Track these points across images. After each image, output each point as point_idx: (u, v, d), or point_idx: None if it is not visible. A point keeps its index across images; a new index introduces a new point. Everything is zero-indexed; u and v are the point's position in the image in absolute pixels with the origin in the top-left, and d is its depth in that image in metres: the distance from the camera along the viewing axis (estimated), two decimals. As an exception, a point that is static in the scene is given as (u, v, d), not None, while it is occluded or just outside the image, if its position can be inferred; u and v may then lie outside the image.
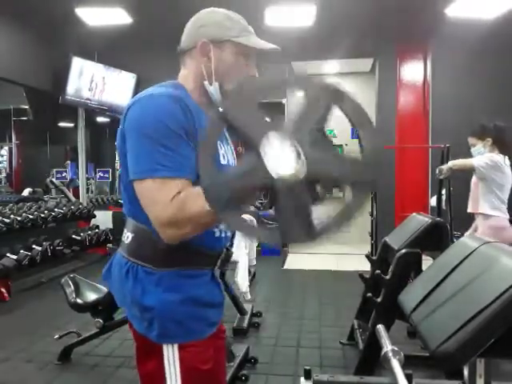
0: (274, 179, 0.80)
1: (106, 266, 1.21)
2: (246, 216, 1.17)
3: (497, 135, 3.13)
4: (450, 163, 3.39)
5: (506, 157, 3.12)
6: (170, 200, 0.96)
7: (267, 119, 0.86)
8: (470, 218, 3.36)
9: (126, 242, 1.13)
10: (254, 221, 1.18)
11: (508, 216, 3.16)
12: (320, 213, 0.86)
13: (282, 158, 0.80)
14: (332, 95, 0.86)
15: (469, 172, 3.24)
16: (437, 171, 3.40)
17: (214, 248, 1.15)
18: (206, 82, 1.13)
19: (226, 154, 1.15)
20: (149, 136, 0.99)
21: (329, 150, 0.90)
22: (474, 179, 3.28)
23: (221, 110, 0.86)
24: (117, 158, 14.32)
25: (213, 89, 1.13)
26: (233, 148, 1.24)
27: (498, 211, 3.12)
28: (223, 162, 1.12)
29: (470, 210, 3.33)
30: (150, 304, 1.05)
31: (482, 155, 3.15)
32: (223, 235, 1.16)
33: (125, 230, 1.15)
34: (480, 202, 3.18)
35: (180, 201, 0.96)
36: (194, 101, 1.10)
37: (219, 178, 0.85)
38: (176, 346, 1.06)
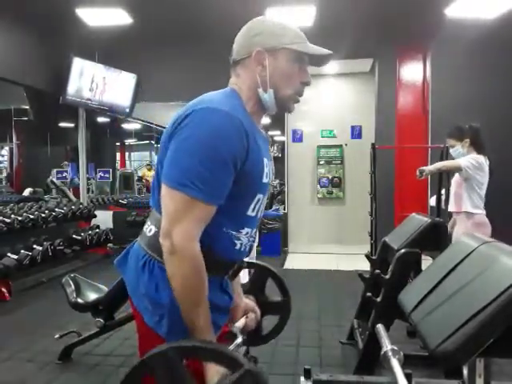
0: None
1: (122, 253, 1.22)
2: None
3: (473, 136, 3.32)
4: (439, 164, 3.52)
5: (486, 157, 3.31)
6: (186, 232, 0.99)
7: None
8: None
9: (148, 234, 1.13)
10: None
11: (485, 212, 3.35)
12: None
13: None
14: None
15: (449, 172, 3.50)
16: (417, 172, 3.45)
17: (232, 259, 1.17)
18: (260, 90, 1.13)
19: (269, 171, 1.16)
20: (197, 152, 1.00)
21: None
22: (456, 179, 3.40)
23: None
24: (117, 158, 14.34)
25: (267, 96, 1.14)
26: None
27: (479, 209, 3.31)
28: (265, 180, 1.13)
29: (452, 209, 3.45)
30: (162, 300, 1.07)
31: (466, 156, 3.32)
32: (243, 249, 1.17)
33: (148, 222, 1.16)
34: (463, 201, 3.31)
35: (193, 249, 1.01)
36: (248, 114, 1.11)
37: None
38: None
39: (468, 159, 3.27)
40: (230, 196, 1.06)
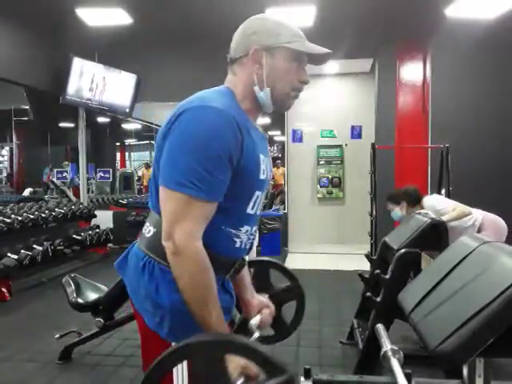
0: None
1: (121, 255, 1.21)
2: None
3: (409, 199, 3.46)
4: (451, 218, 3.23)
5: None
6: (187, 232, 0.99)
7: None
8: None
9: (147, 235, 1.13)
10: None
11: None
12: None
13: None
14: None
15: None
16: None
17: (232, 257, 1.16)
18: (256, 88, 1.13)
19: (266, 168, 1.15)
20: (192, 151, 1.00)
21: None
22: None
23: None
24: (117, 158, 14.34)
25: (263, 94, 1.13)
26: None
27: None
28: (262, 177, 1.13)
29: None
30: (163, 302, 1.06)
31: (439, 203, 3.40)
32: (243, 246, 1.17)
33: (147, 223, 1.16)
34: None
35: (196, 249, 1.01)
36: (243, 112, 1.11)
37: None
38: None
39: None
40: (228, 194, 1.06)
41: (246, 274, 1.33)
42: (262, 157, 1.12)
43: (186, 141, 1.01)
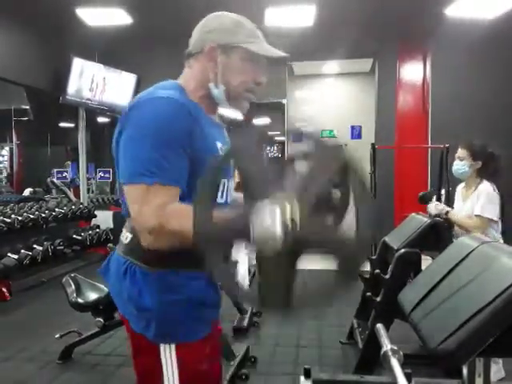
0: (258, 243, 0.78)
1: (104, 261, 1.22)
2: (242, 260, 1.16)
3: (489, 163, 2.81)
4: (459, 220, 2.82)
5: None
6: (155, 209, 0.97)
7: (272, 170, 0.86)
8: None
9: (125, 241, 1.13)
10: (245, 273, 1.13)
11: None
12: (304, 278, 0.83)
13: (274, 222, 0.78)
14: (344, 165, 0.86)
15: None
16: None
17: None
18: (211, 84, 1.13)
19: (226, 191, 1.14)
20: (145, 141, 0.99)
21: (327, 218, 0.89)
22: None
23: (231, 151, 0.87)
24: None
25: (217, 92, 1.13)
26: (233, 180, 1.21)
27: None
28: (220, 200, 1.11)
29: None
30: (147, 305, 1.06)
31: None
32: None
33: (124, 230, 1.16)
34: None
35: (165, 214, 0.97)
36: (193, 101, 1.10)
37: (211, 225, 0.84)
38: (173, 346, 1.07)
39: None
40: (193, 184, 1.02)
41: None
42: (219, 144, 1.12)
43: (137, 132, 1.02)
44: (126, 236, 1.14)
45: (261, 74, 1.16)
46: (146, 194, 0.98)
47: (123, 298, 1.10)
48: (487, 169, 2.80)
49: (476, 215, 2.68)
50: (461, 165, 2.84)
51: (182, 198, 1.02)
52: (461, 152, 2.86)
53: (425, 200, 3.08)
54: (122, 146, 1.04)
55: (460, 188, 2.98)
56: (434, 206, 2.86)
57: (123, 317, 1.15)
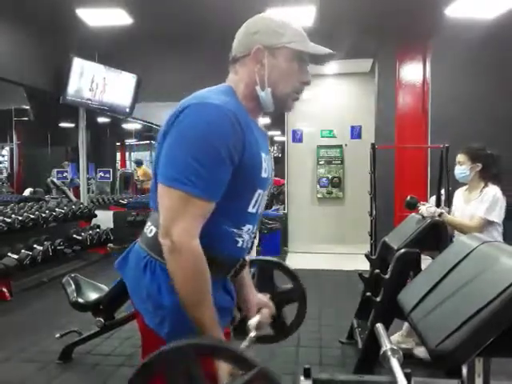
0: None
1: (121, 255, 1.21)
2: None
3: (489, 167, 2.85)
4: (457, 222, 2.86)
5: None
6: (183, 233, 0.99)
7: None
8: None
9: (149, 235, 1.12)
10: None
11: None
12: None
13: None
14: None
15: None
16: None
17: (234, 257, 1.16)
18: (257, 87, 1.12)
19: (268, 166, 1.15)
20: (191, 148, 1.00)
21: None
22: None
23: None
24: (117, 158, 14.33)
25: (264, 94, 1.12)
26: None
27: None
28: (264, 175, 1.12)
29: None
30: (165, 302, 1.06)
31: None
32: (245, 246, 1.16)
33: (148, 223, 1.15)
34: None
35: (194, 247, 1.00)
36: (244, 109, 1.10)
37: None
38: None
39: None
40: (229, 193, 1.05)
41: (246, 273, 1.32)
42: (263, 155, 1.12)
43: (184, 137, 1.01)
44: (150, 229, 1.13)
45: (307, 74, 1.16)
46: (181, 202, 0.99)
47: (141, 295, 1.10)
48: (488, 170, 2.84)
49: (479, 217, 2.71)
50: (461, 169, 2.90)
51: (217, 210, 1.04)
52: (460, 157, 2.92)
53: (409, 207, 3.08)
54: (167, 147, 1.04)
55: (461, 191, 3.00)
56: (426, 209, 2.86)
57: (138, 311, 1.14)
